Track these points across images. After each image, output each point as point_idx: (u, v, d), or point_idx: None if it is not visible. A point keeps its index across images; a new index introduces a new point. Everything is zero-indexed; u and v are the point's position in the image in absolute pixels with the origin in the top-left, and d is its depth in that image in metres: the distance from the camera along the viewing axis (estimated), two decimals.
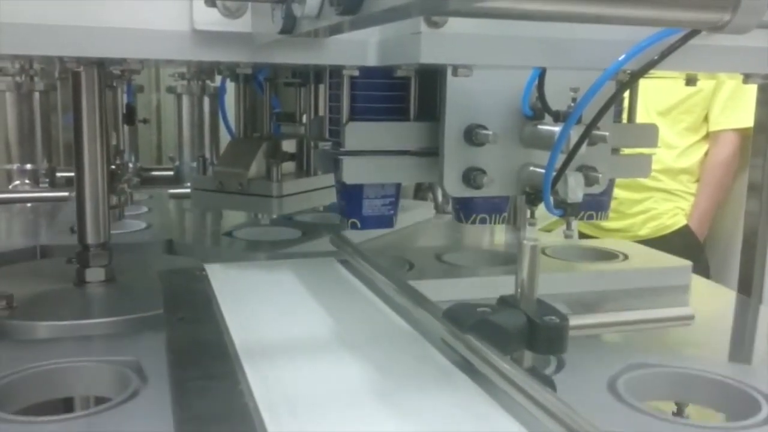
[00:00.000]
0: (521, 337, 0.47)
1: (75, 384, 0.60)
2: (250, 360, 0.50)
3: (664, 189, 2.04)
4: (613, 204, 2.12)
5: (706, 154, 2.05)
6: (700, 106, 1.99)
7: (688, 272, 0.91)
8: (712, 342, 0.75)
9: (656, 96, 1.96)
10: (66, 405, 0.67)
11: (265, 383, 0.46)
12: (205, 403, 0.43)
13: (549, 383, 0.46)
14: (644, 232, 2.02)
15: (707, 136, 2.04)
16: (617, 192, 2.12)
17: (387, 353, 0.52)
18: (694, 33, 0.56)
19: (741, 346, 0.77)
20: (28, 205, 1.65)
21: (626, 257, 0.94)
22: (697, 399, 0.56)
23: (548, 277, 0.83)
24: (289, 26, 0.44)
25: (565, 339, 0.47)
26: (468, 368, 0.48)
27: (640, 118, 2.13)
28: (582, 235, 2.02)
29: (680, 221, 2.05)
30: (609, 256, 0.95)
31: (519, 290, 0.50)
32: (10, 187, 1.87)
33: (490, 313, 0.48)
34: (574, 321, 0.47)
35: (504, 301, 0.50)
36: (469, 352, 0.46)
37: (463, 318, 0.48)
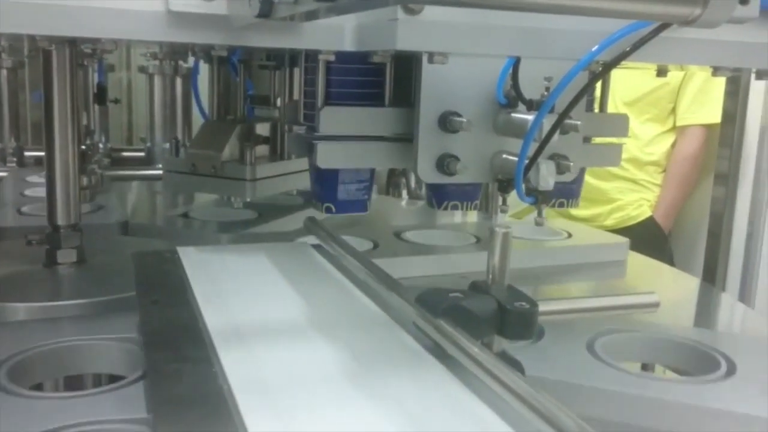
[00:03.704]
0: (492, 323, 0.48)
1: (87, 361, 0.60)
2: (223, 343, 0.51)
3: (630, 178, 2.09)
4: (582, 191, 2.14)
5: (672, 146, 2.08)
6: (666, 99, 2.03)
7: (625, 248, 1.00)
8: (676, 315, 0.79)
9: (623, 86, 1.99)
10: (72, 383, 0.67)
11: (239, 366, 0.46)
12: (180, 385, 0.44)
13: (518, 367, 0.47)
14: (610, 222, 2.06)
15: (673, 129, 2.08)
16: (586, 179, 2.16)
17: (359, 337, 0.53)
18: (665, 26, 0.58)
19: (704, 317, 0.82)
20: None
21: (570, 235, 1.02)
22: (663, 360, 0.60)
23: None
24: (266, 10, 0.44)
25: (534, 325, 0.48)
26: (439, 353, 0.49)
27: (607, 107, 2.16)
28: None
29: (645, 213, 2.09)
30: (554, 234, 1.04)
31: (490, 276, 0.51)
32: None
33: (461, 299, 0.49)
34: (543, 307, 0.49)
35: (475, 287, 0.51)
36: (440, 336, 0.47)
37: (435, 303, 0.49)
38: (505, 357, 0.48)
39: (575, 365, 0.57)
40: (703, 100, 1.98)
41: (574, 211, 2.06)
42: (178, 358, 0.48)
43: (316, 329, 0.54)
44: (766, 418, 0.50)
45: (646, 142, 2.07)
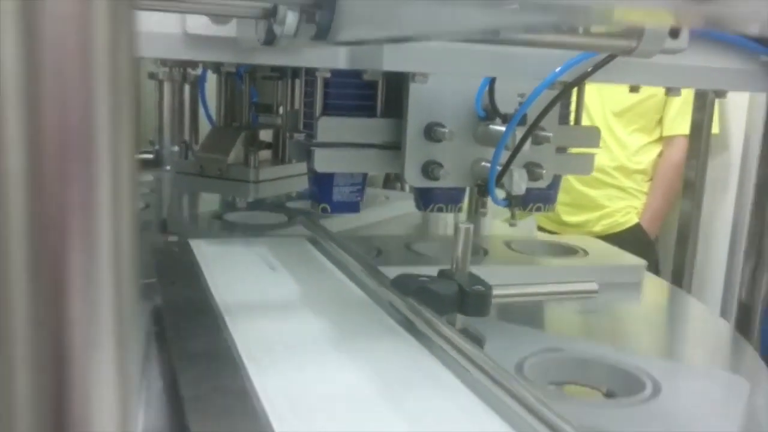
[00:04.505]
0: (454, 302, 0.57)
1: None
2: (229, 313, 0.60)
3: (618, 186, 2.15)
4: (570, 199, 2.22)
5: (659, 155, 2.16)
6: (653, 110, 2.10)
7: (642, 270, 0.97)
8: (629, 330, 0.84)
9: (613, 97, 2.07)
10: None
11: (243, 331, 0.56)
12: (197, 343, 0.53)
13: (477, 341, 0.56)
14: (599, 228, 2.13)
15: (660, 139, 2.15)
16: (576, 187, 2.23)
17: (344, 313, 0.62)
18: (612, 56, 0.67)
19: (652, 333, 0.86)
20: None
21: (586, 253, 0.99)
22: (590, 380, 0.62)
23: (513, 269, 0.91)
24: (270, 40, 0.53)
25: (488, 304, 0.57)
26: (409, 327, 0.58)
27: (597, 117, 2.24)
28: (541, 229, 2.13)
29: (632, 219, 2.16)
30: (570, 251, 1.01)
31: (454, 265, 0.60)
32: None
33: (429, 282, 0.58)
34: (496, 291, 0.58)
35: (442, 274, 0.60)
36: (410, 313, 0.56)
37: (406, 286, 0.58)
38: (466, 332, 0.57)
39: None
40: (689, 111, 2.05)
41: (566, 217, 2.16)
42: (192, 323, 0.58)
43: (307, 306, 0.63)
44: None
45: (634, 151, 2.15)
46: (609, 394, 0.61)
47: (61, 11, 0.13)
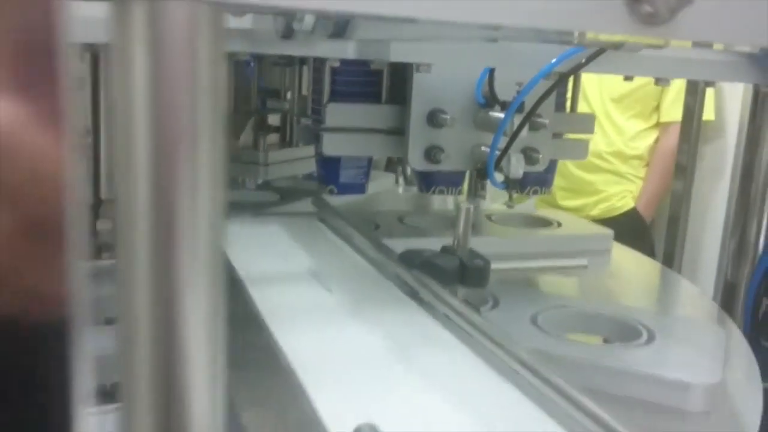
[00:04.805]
0: (455, 275, 0.62)
1: None
2: (252, 283, 0.66)
3: (615, 171, 2.19)
4: (567, 183, 2.26)
5: (655, 141, 2.20)
6: (650, 96, 2.14)
7: (610, 240, 1.04)
8: (620, 291, 0.91)
9: (611, 84, 2.10)
10: None
11: (264, 297, 0.62)
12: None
13: (476, 309, 0.61)
14: (595, 212, 2.17)
15: (657, 125, 2.19)
16: (573, 171, 2.26)
17: (355, 284, 0.68)
18: (602, 50, 0.72)
19: (643, 294, 0.93)
20: None
21: (559, 224, 1.06)
22: (594, 331, 0.69)
23: (493, 240, 0.97)
24: (289, 34, 0.58)
25: (487, 277, 0.62)
26: (415, 296, 0.63)
27: (595, 103, 2.27)
28: None
29: (628, 204, 2.20)
30: (546, 223, 1.08)
31: (456, 241, 0.65)
32: None
33: (433, 257, 0.63)
34: (494, 265, 0.63)
35: (444, 249, 0.66)
36: (417, 284, 0.61)
37: (412, 260, 0.63)
38: (466, 301, 0.63)
39: (521, 334, 0.63)
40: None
41: (562, 202, 2.20)
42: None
43: (322, 277, 0.69)
44: (669, 378, 0.58)
45: (631, 136, 2.19)
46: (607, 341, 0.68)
47: (176, 35, 0.18)
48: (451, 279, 0.62)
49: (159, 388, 0.20)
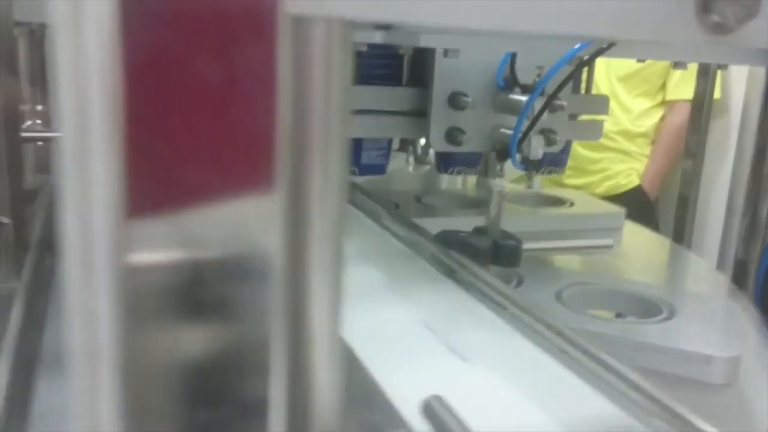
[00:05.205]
0: (488, 254, 0.65)
1: None
2: None
3: (620, 150, 2.21)
4: (572, 162, 2.29)
5: (661, 119, 2.22)
6: (656, 75, 2.15)
7: (622, 217, 1.06)
8: (636, 268, 0.94)
9: (617, 63, 2.12)
10: None
11: None
12: None
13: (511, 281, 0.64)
14: (601, 190, 2.19)
15: (662, 103, 2.21)
16: (579, 151, 2.28)
17: (392, 265, 0.71)
18: None
19: (658, 271, 0.96)
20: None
21: (572, 204, 1.09)
22: (616, 307, 0.72)
23: (510, 219, 1.00)
24: None
25: (519, 256, 0.65)
26: (450, 275, 0.66)
27: (602, 82, 2.28)
28: None
29: (633, 181, 2.22)
30: (559, 202, 1.11)
31: (489, 221, 0.68)
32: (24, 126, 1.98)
33: (467, 237, 0.66)
34: (526, 245, 0.66)
35: (478, 230, 0.68)
36: (453, 262, 0.64)
37: (448, 240, 0.66)
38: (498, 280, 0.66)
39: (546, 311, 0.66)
40: (691, 77, 2.10)
41: (567, 180, 2.22)
42: None
43: (360, 259, 0.72)
44: (692, 351, 0.62)
45: (637, 115, 2.21)
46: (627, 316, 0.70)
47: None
48: (485, 258, 0.65)
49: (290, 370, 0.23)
